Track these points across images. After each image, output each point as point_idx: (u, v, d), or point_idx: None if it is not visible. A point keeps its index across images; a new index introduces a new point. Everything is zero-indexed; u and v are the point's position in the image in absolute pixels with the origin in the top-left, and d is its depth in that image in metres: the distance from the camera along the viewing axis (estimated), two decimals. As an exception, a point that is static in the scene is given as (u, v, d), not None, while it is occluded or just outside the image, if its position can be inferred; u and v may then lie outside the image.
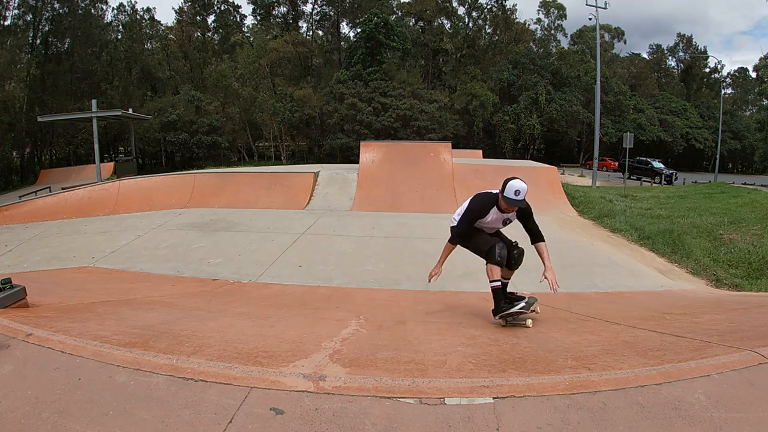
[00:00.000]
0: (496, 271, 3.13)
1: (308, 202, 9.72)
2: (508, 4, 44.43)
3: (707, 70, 51.42)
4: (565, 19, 47.13)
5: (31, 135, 30.35)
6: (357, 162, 11.27)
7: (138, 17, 41.55)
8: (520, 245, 3.34)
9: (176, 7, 49.83)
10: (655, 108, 42.67)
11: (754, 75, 48.85)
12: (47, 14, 32.88)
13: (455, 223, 3.31)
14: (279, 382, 1.89)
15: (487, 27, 46.05)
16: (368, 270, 5.53)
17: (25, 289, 3.03)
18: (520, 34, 44.99)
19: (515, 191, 2.95)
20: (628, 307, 4.29)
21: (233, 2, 45.58)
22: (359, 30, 40.27)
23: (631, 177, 27.63)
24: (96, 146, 19.71)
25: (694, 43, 51.73)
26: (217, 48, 45.63)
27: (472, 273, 5.63)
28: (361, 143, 11.58)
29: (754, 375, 1.91)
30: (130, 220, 8.51)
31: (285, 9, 44.89)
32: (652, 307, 4.13)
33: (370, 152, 10.91)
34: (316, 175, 10.70)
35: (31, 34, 32.37)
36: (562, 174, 21.95)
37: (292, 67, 42.35)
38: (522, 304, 3.07)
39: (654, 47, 52.69)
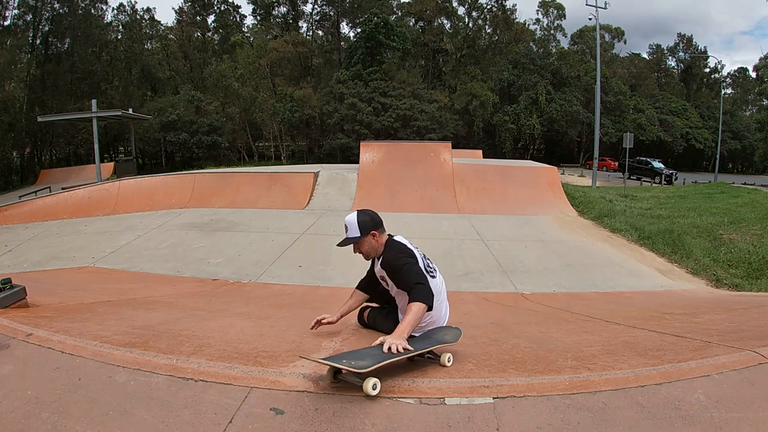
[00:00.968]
0: None
1: (308, 202, 9.72)
2: (508, 4, 44.55)
3: (707, 70, 51.49)
4: (564, 19, 47.22)
5: (31, 135, 30.36)
6: (357, 162, 11.27)
7: (138, 17, 41.59)
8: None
9: (176, 7, 49.86)
10: (655, 108, 42.68)
11: (754, 75, 48.90)
12: (47, 14, 32.92)
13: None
14: (279, 382, 1.89)
15: (487, 27, 46.08)
16: (368, 270, 5.51)
17: (25, 289, 3.03)
18: (520, 34, 45.01)
19: (345, 226, 2.41)
20: (628, 307, 4.28)
21: (233, 2, 45.65)
22: (359, 30, 40.29)
23: (631, 177, 27.63)
24: (96, 146, 19.71)
25: (694, 43, 51.79)
26: (217, 48, 45.65)
27: (472, 273, 5.64)
28: (361, 143, 11.59)
29: (754, 375, 1.91)
30: (130, 220, 8.51)
31: (285, 9, 44.95)
32: (652, 307, 4.13)
33: (370, 152, 10.91)
34: (316, 175, 10.71)
35: (31, 34, 32.39)
36: (562, 174, 21.96)
37: (292, 67, 42.37)
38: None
39: (654, 47, 52.83)
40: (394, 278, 2.31)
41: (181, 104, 36.18)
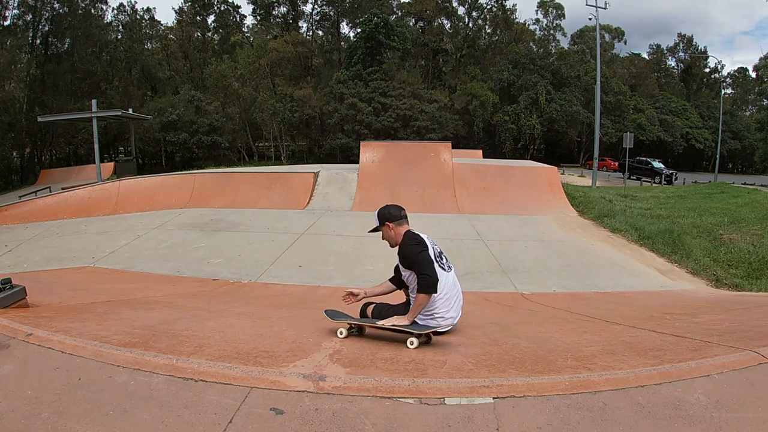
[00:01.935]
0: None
1: (308, 202, 9.72)
2: (508, 4, 44.51)
3: (707, 70, 51.47)
4: (564, 18, 47.20)
5: (31, 135, 30.36)
6: (357, 162, 11.27)
7: (138, 17, 41.59)
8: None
9: (176, 7, 49.87)
10: (655, 108, 42.69)
11: (754, 75, 48.92)
12: (47, 14, 32.90)
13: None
14: (279, 382, 1.89)
15: (487, 27, 46.08)
16: (368, 270, 5.53)
17: (25, 289, 3.03)
18: (520, 34, 45.01)
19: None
20: (628, 307, 4.28)
21: (233, 2, 45.64)
22: (359, 30, 40.28)
23: (631, 177, 27.63)
24: (96, 146, 19.70)
25: (694, 43, 51.78)
26: (217, 48, 45.65)
27: (472, 273, 5.64)
28: (361, 143, 11.58)
29: (754, 375, 1.91)
30: (130, 220, 8.50)
31: (285, 9, 44.93)
32: (652, 307, 4.13)
33: (370, 152, 10.91)
34: (316, 175, 10.71)
35: (31, 34, 32.37)
36: (562, 174, 21.97)
37: (292, 67, 42.37)
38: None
39: (654, 47, 52.79)
40: (404, 262, 2.66)
41: (181, 104, 36.19)
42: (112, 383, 1.90)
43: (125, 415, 1.69)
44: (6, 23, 31.36)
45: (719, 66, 54.29)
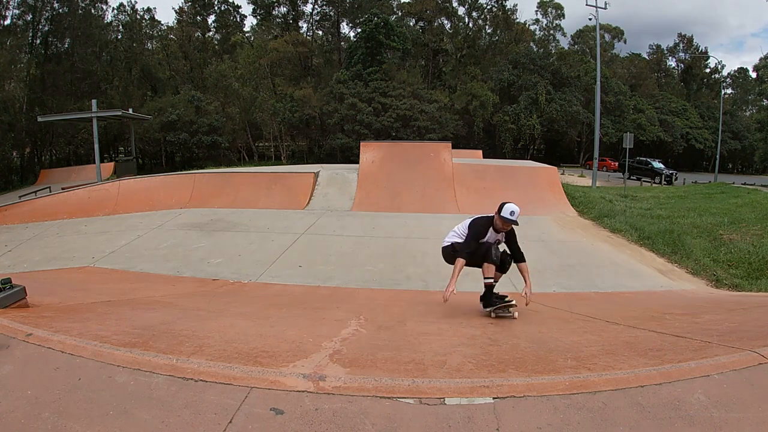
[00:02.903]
0: (491, 270, 3.56)
1: (308, 202, 9.72)
2: (508, 4, 44.40)
3: (707, 70, 51.44)
4: (563, 18, 47.17)
5: (31, 135, 30.33)
6: (357, 162, 11.27)
7: (138, 17, 41.53)
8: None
9: (176, 7, 49.79)
10: (655, 108, 42.66)
11: (754, 75, 48.89)
12: (47, 14, 32.86)
13: (460, 242, 3.70)
14: (279, 382, 1.89)
15: (487, 27, 46.04)
16: (368, 270, 5.53)
17: (25, 289, 3.03)
18: (520, 34, 44.98)
19: (511, 212, 3.48)
20: (628, 307, 4.28)
21: (233, 2, 45.57)
22: (359, 30, 40.25)
23: (631, 177, 27.61)
24: (96, 146, 19.70)
25: (694, 43, 51.77)
26: (217, 48, 45.62)
27: (472, 273, 5.63)
28: (361, 143, 11.59)
29: (754, 375, 1.91)
30: (130, 220, 8.50)
31: (285, 9, 44.86)
32: (652, 307, 4.13)
33: (370, 152, 10.91)
34: (316, 175, 10.71)
35: (31, 34, 32.34)
36: (562, 174, 21.94)
37: (292, 67, 42.35)
38: (510, 300, 3.61)
39: (654, 47, 52.73)
40: (513, 244, 3.76)
41: (181, 104, 36.15)
42: (112, 383, 1.90)
43: (125, 415, 1.68)
44: (6, 23, 31.36)
45: (719, 66, 54.27)
